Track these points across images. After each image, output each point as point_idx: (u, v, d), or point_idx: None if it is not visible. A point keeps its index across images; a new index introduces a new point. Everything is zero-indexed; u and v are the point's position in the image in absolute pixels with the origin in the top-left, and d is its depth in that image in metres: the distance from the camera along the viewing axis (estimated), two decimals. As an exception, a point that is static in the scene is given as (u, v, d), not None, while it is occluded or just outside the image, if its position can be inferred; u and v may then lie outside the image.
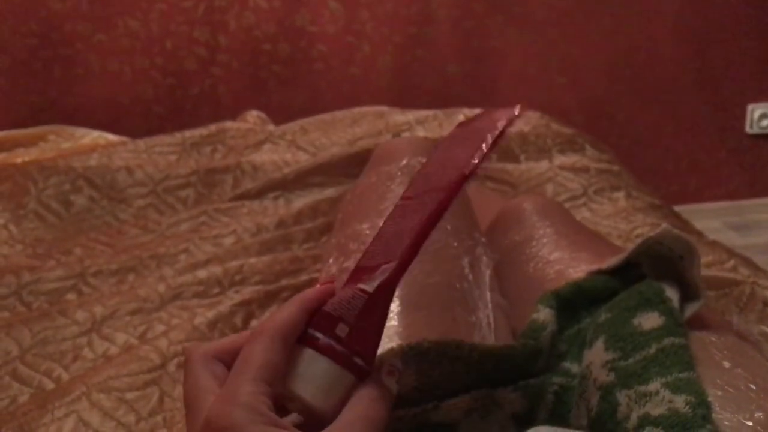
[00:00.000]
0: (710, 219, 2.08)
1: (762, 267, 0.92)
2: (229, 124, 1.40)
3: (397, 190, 0.65)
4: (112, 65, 1.84)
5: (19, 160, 1.31)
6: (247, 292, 0.94)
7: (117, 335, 0.85)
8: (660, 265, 0.54)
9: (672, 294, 0.50)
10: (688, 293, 0.52)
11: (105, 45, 1.83)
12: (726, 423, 0.42)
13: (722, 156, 2.19)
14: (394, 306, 0.54)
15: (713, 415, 0.41)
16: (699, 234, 1.10)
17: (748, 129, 2.17)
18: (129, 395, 0.74)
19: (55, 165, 1.23)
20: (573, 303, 0.54)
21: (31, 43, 1.79)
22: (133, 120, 1.85)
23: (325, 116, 1.43)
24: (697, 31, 2.05)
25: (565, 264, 0.62)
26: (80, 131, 1.51)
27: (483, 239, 0.65)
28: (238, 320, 0.89)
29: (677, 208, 1.27)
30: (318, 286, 0.40)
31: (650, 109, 2.10)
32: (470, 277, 0.57)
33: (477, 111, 1.39)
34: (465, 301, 0.56)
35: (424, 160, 0.66)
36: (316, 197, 1.18)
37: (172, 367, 0.79)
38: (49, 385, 0.78)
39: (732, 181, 2.22)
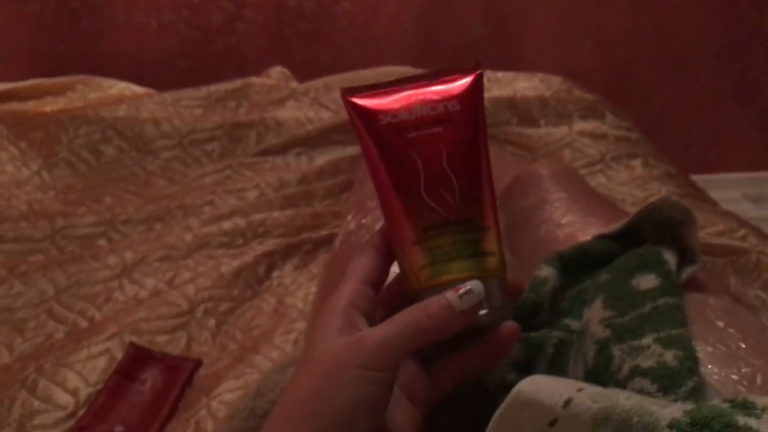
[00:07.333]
0: (729, 189, 2.08)
1: (773, 237, 0.93)
2: (253, 79, 1.42)
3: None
4: (138, 18, 1.86)
5: (48, 109, 1.34)
6: (269, 244, 0.98)
7: (146, 280, 0.90)
8: (661, 231, 0.57)
9: (669, 257, 0.53)
10: (687, 257, 0.55)
11: (132, -3, 1.84)
12: (714, 377, 0.45)
13: (744, 126, 2.17)
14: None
15: (702, 369, 0.44)
16: (713, 203, 1.11)
17: (772, 100, 2.14)
18: (159, 338, 0.79)
19: (85, 115, 1.27)
20: (576, 265, 0.57)
21: (59, -7, 1.81)
22: (157, 73, 1.87)
23: (349, 75, 1.45)
24: (724, -1, 2.02)
25: (575, 228, 0.65)
26: (107, 82, 1.54)
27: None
28: (261, 270, 0.93)
29: (696, 177, 1.27)
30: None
31: (674, 75, 2.09)
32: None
33: (499, 74, 1.39)
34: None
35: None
36: (338, 155, 1.21)
37: (199, 313, 0.83)
38: (83, 324, 0.83)
39: (753, 152, 2.20)
